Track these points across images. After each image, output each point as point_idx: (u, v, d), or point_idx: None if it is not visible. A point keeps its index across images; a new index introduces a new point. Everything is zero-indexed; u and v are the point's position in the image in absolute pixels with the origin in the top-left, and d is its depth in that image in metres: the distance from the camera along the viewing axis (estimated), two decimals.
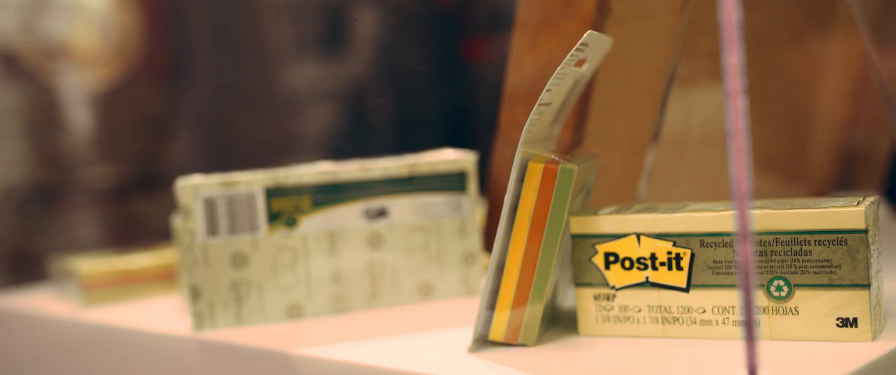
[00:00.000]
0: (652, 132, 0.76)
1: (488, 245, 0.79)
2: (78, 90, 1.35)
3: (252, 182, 0.72)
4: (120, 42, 1.39)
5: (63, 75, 1.34)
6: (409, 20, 1.51)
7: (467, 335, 0.64)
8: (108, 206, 1.39)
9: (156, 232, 1.39)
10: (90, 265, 0.86)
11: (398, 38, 1.50)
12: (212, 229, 0.71)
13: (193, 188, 0.71)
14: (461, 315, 0.70)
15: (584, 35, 0.58)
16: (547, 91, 0.58)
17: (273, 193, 0.72)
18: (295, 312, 0.73)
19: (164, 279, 0.88)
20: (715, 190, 0.84)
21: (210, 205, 0.71)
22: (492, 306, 0.60)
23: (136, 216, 1.42)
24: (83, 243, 1.33)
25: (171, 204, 1.42)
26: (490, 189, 0.79)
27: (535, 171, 0.59)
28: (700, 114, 0.84)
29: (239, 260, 0.72)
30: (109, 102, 1.39)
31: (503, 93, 0.78)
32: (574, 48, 0.57)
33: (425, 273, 0.75)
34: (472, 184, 0.76)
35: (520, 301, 0.59)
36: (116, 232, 1.39)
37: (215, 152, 1.52)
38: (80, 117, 1.37)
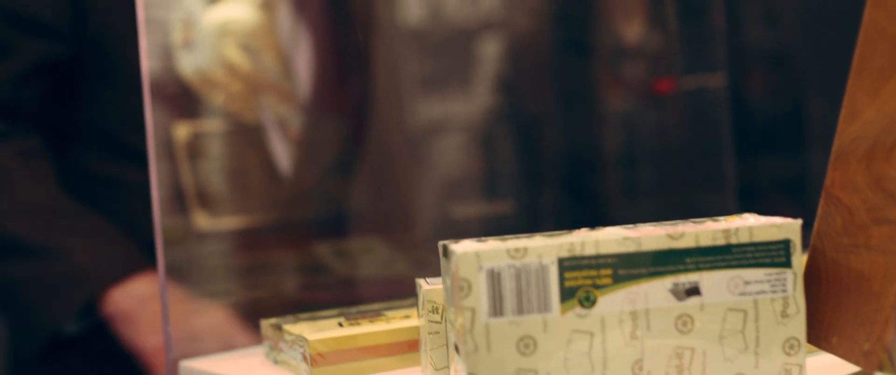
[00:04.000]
0: None
1: (809, 331, 0.66)
2: (260, 128, 1.26)
3: (544, 250, 0.60)
4: (306, 78, 1.31)
5: (245, 112, 1.26)
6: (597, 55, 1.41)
7: None
8: (289, 252, 1.30)
9: (341, 280, 1.30)
10: (320, 334, 0.76)
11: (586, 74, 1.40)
12: (496, 308, 0.60)
13: (476, 257, 0.60)
14: None
15: None
16: None
17: (568, 265, 0.61)
18: None
19: (401, 352, 0.77)
20: None
21: (495, 279, 0.60)
22: None
23: (320, 263, 1.32)
24: (269, 296, 1.23)
25: (357, 251, 1.32)
26: (810, 262, 0.66)
27: None
28: None
29: (526, 346, 0.60)
30: (293, 141, 1.31)
31: (833, 147, 0.65)
32: None
33: (740, 363, 0.63)
34: (798, 257, 0.63)
35: None
36: (300, 280, 1.29)
37: (397, 194, 1.42)
38: (261, 156, 1.28)
